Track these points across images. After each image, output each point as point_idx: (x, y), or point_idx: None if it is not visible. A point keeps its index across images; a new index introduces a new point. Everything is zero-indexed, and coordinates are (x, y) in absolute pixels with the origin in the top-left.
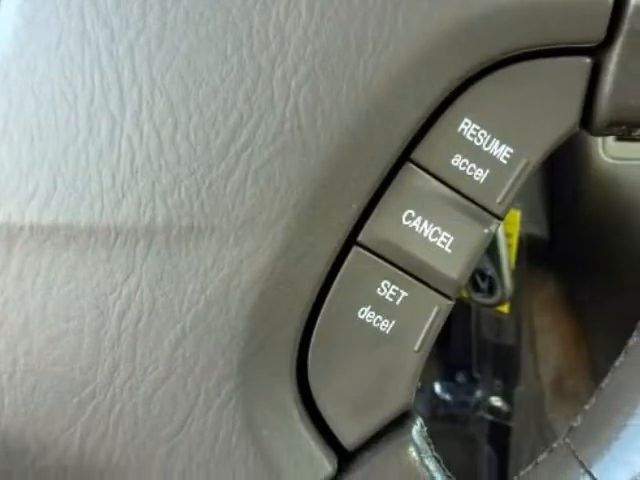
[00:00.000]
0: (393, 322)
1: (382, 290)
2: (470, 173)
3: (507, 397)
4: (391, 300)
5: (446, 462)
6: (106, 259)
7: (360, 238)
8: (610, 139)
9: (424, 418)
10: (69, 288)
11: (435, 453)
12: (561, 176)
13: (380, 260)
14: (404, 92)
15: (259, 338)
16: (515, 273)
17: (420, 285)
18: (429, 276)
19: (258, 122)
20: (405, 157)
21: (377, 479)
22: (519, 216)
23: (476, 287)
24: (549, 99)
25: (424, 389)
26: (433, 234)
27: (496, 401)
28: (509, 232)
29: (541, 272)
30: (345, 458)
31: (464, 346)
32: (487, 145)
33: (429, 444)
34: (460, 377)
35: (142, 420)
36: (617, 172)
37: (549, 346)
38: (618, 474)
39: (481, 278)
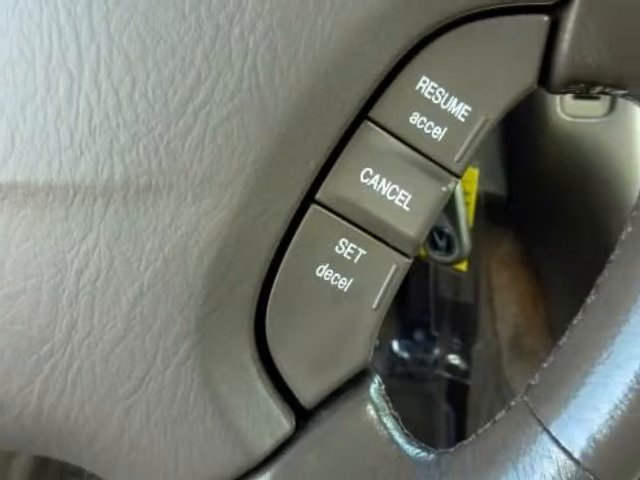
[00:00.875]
0: (351, 280)
1: (340, 248)
2: (428, 131)
3: (465, 355)
4: (349, 258)
5: (404, 420)
6: (64, 217)
7: (318, 196)
8: (568, 97)
9: (382, 376)
10: (27, 246)
11: (393, 411)
12: (519, 134)
13: (338, 218)
14: (362, 50)
15: (217, 296)
16: (473, 231)
17: (378, 243)
18: (387, 234)
19: (216, 80)
20: (363, 115)
21: (335, 437)
22: (477, 174)
23: (434, 245)
24: (507, 57)
25: (382, 347)
26: (391, 192)
27: (454, 359)
28: (467, 190)
29: (499, 230)
30: (303, 416)
31: (422, 304)
32: (445, 103)
33: (387, 402)
34: (418, 335)
35: (100, 378)
36: (575, 130)
37: (507, 304)
38: (576, 432)
39: (439, 236)
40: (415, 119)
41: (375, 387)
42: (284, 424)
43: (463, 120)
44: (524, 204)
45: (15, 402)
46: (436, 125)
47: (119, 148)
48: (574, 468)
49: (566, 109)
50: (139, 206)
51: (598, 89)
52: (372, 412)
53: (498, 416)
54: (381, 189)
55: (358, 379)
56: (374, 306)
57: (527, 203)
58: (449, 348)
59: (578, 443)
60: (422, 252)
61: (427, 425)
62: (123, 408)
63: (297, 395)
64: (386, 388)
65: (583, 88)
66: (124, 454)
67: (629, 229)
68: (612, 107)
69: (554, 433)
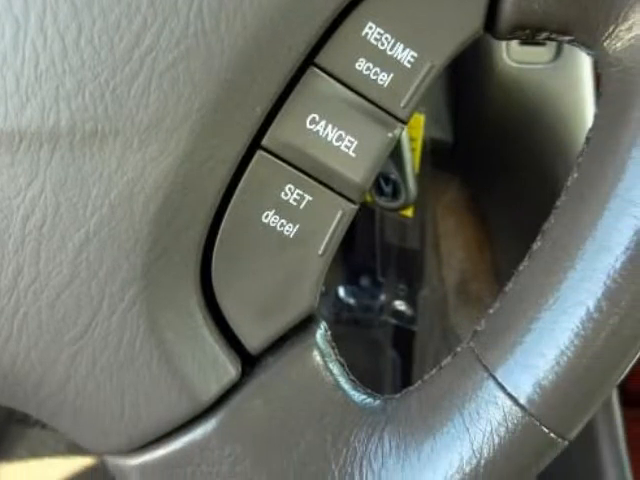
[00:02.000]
0: (297, 226)
1: (286, 194)
2: (374, 77)
3: (411, 301)
4: (295, 204)
5: (350, 366)
6: (10, 163)
7: (264, 142)
8: (514, 43)
9: (328, 322)
10: None
11: (339, 357)
12: (465, 80)
13: (284, 164)
14: None
15: (163, 242)
16: (419, 177)
17: (324, 189)
18: (333, 180)
19: (162, 26)
20: (309, 61)
21: (281, 383)
22: (423, 120)
23: (380, 191)
24: (453, 3)
25: (328, 293)
26: (337, 138)
27: (400, 305)
28: (413, 136)
29: (445, 176)
30: (249, 362)
31: (368, 250)
32: (391, 49)
33: (333, 348)
34: (364, 281)
35: (46, 324)
36: (521, 76)
37: (453, 250)
38: (522, 378)
39: (385, 182)
40: (361, 65)
41: (321, 333)
42: (230, 370)
43: (409, 66)
44: (470, 150)
45: None
46: (382, 71)
47: (65, 94)
48: (520, 414)
49: (512, 55)
50: (85, 152)
51: (544, 35)
52: (318, 358)
53: (444, 362)
54: (327, 135)
55: (304, 325)
56: (320, 252)
57: (473, 149)
58: (395, 294)
59: (524, 389)
60: (368, 198)
61: (373, 371)
62: (69, 354)
63: (243, 341)
64: (332, 334)
65: (529, 34)
66: (70, 400)
67: (575, 175)
68: (558, 53)
69: (500, 379)
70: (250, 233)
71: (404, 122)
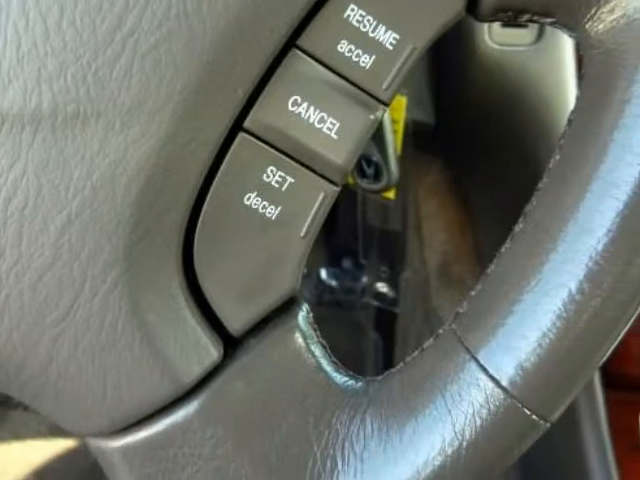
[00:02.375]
0: (279, 208)
1: (268, 176)
2: (356, 59)
3: (393, 283)
4: (277, 186)
5: (332, 348)
6: None
7: (246, 124)
8: (496, 25)
9: (310, 304)
10: None
11: (321, 339)
12: (447, 62)
13: (266, 146)
14: None
15: (145, 224)
16: (401, 159)
17: (306, 171)
18: (315, 162)
19: (144, 8)
20: (291, 43)
21: (263, 365)
22: (405, 102)
23: (362, 173)
24: None
25: (310, 275)
26: (319, 120)
27: (382, 287)
28: (395, 118)
29: (427, 158)
30: (231, 344)
31: (350, 232)
32: (373, 31)
33: (315, 330)
34: (346, 263)
35: (28, 306)
36: (503, 58)
37: (435, 232)
38: (504, 360)
39: (367, 164)
40: (343, 47)
41: (303, 315)
42: (212, 352)
43: (391, 48)
44: (452, 132)
45: None
46: (364, 53)
47: (47, 76)
48: (502, 396)
49: (494, 37)
50: (67, 134)
51: (526, 17)
52: (300, 340)
53: (426, 344)
54: (309, 117)
55: (286, 307)
56: (302, 234)
57: (455, 131)
58: (377, 276)
59: (506, 371)
60: (350, 180)
61: (355, 353)
62: (51, 336)
63: (225, 323)
64: (314, 316)
65: (511, 16)
66: (52, 382)
67: (557, 157)
68: (540, 35)
69: (482, 361)
70: (232, 215)
71: (386, 104)
